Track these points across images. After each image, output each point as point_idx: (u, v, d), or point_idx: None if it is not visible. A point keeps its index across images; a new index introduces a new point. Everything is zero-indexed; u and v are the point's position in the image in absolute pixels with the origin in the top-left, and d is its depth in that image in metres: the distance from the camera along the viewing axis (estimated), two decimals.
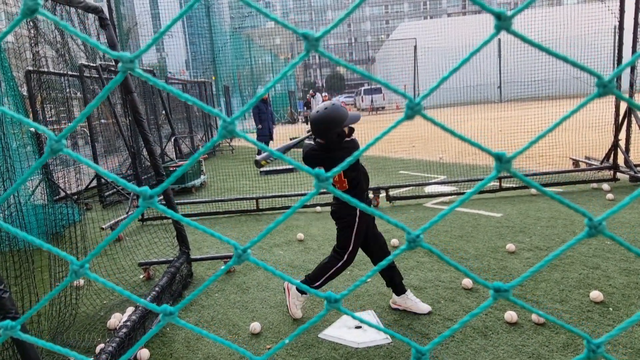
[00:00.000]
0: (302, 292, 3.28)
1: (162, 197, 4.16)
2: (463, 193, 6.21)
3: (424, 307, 3.18)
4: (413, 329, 2.98)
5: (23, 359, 2.03)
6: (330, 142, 2.91)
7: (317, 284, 3.17)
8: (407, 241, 0.53)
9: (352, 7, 0.50)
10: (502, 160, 0.50)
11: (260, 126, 11.72)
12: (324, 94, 20.91)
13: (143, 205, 0.52)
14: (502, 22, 0.48)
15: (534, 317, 2.90)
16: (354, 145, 2.97)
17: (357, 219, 3.06)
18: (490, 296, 0.54)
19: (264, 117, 11.59)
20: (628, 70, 6.18)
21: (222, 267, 0.58)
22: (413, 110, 0.50)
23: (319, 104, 3.32)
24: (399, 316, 3.15)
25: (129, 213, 6.13)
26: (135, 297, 0.58)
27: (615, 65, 6.34)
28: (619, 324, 2.79)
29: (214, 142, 0.53)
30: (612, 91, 0.49)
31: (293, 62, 0.50)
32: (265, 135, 11.92)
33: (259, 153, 12.76)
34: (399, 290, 3.20)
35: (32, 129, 6.74)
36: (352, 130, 3.00)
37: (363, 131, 5.81)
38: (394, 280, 3.18)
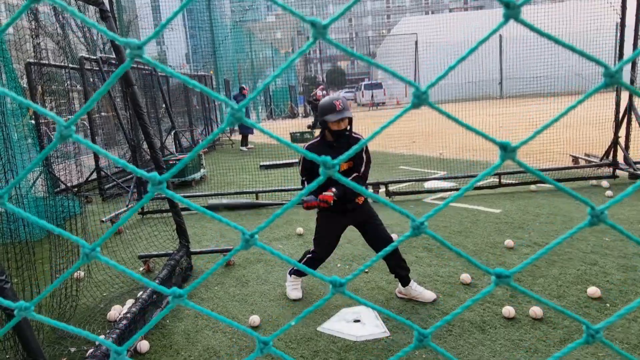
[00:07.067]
0: (296, 273, 3.49)
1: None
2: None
3: (429, 296, 3.29)
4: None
5: (24, 348, 2.05)
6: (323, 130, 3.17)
7: (292, 269, 3.52)
8: (411, 228, 0.55)
9: None
10: (506, 150, 0.51)
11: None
12: (320, 88, 20.68)
13: (152, 190, 0.53)
14: (511, 11, 0.48)
15: (531, 312, 2.92)
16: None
17: (318, 215, 3.37)
18: (492, 282, 0.55)
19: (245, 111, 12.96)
20: (629, 67, 6.17)
21: (231, 251, 0.59)
22: (420, 99, 0.51)
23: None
24: (397, 311, 3.18)
25: (129, 206, 6.14)
26: (146, 280, 0.59)
27: (616, 63, 6.33)
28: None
29: (221, 129, 0.54)
30: (619, 82, 0.49)
31: (301, 50, 0.51)
32: (247, 128, 12.78)
33: (242, 143, 12.97)
34: (404, 281, 3.30)
35: (32, 121, 6.74)
36: (342, 129, 3.12)
37: (363, 126, 5.81)
38: (397, 270, 3.28)
